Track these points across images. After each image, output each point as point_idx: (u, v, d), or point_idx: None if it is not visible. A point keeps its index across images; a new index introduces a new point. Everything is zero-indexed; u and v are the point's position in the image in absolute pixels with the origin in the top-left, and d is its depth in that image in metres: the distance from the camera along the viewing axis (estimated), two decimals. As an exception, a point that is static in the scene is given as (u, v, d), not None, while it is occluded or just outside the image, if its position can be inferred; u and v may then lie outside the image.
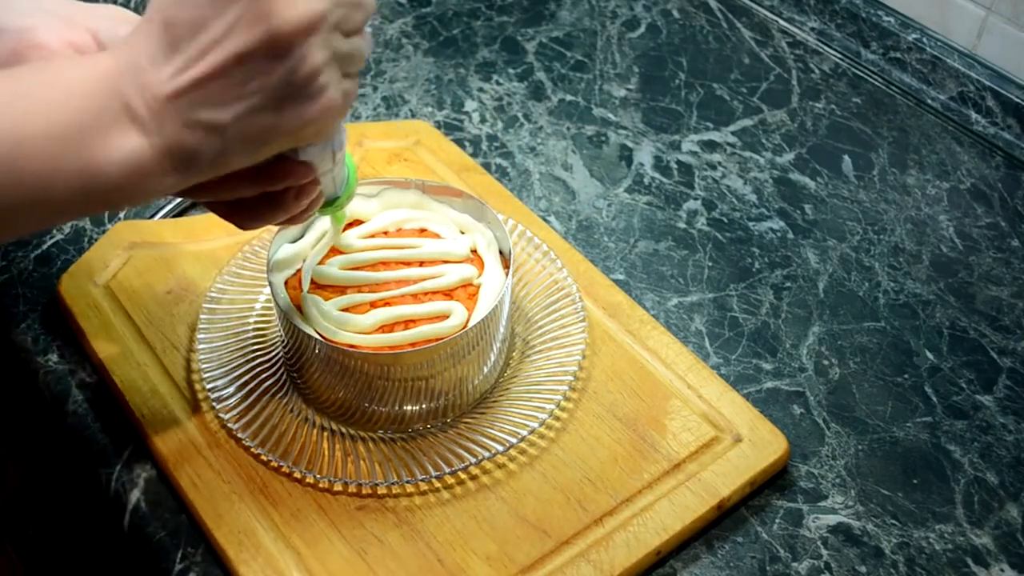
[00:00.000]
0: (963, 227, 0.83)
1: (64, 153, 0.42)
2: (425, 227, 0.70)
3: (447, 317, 0.64)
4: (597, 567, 0.60)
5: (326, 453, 0.64)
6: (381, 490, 0.63)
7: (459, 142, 0.88)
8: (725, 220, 0.83)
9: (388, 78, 0.95)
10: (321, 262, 0.67)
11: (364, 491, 0.63)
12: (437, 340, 0.62)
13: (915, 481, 0.67)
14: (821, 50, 1.00)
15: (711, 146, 0.90)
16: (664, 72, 0.97)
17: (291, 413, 0.66)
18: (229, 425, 0.65)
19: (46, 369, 0.70)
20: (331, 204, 0.60)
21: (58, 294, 0.73)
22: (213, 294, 0.72)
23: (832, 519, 0.64)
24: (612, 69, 0.97)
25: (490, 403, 0.67)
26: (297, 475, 0.63)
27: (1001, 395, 0.71)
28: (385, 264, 0.67)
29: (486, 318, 0.63)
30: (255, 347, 0.70)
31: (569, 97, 0.94)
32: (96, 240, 0.77)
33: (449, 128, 0.90)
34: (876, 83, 0.96)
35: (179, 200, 0.80)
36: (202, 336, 0.69)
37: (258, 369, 0.68)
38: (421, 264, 0.67)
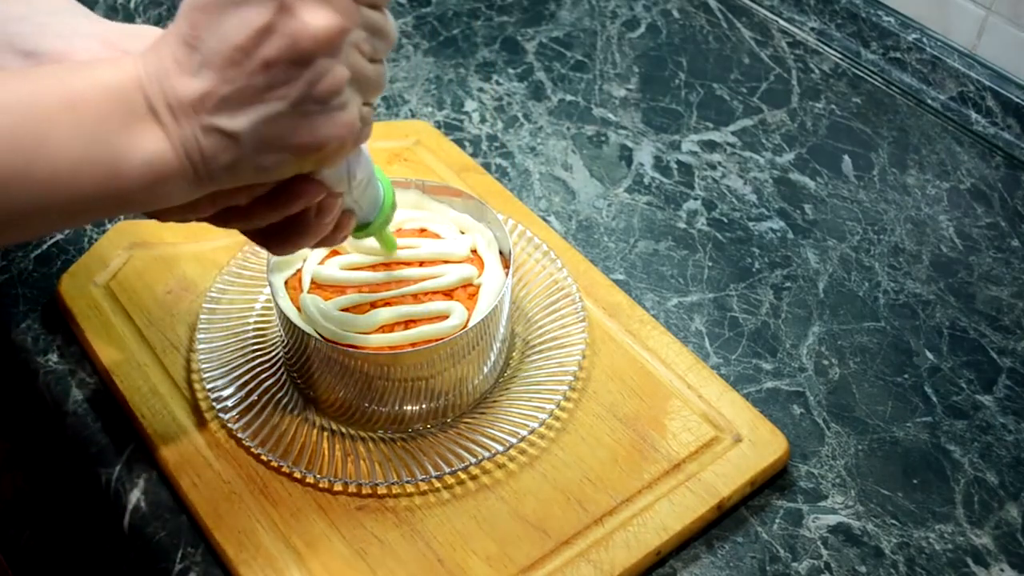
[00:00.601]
0: (963, 227, 0.83)
1: (89, 149, 0.43)
2: (425, 227, 0.70)
3: (447, 317, 0.64)
4: (597, 567, 0.60)
5: (326, 453, 0.64)
6: (381, 490, 0.63)
7: (459, 142, 0.89)
8: (725, 220, 0.83)
9: (388, 78, 0.95)
10: (321, 262, 0.67)
11: (364, 491, 0.63)
12: (437, 340, 0.62)
13: (915, 481, 0.67)
14: (821, 50, 1.00)
15: (711, 146, 0.90)
16: (664, 72, 0.97)
17: (291, 413, 0.66)
18: (229, 425, 0.65)
19: (46, 369, 0.70)
20: (366, 227, 0.59)
21: (58, 294, 0.73)
22: (213, 294, 0.72)
23: (832, 519, 0.64)
24: (612, 69, 0.97)
25: (490, 403, 0.67)
26: (297, 475, 0.63)
27: (1001, 395, 0.71)
28: (385, 264, 0.67)
29: (486, 318, 0.63)
30: (255, 347, 0.70)
31: (569, 97, 0.94)
32: (96, 240, 0.77)
33: (449, 128, 0.91)
34: (876, 83, 0.96)
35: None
36: (202, 336, 0.69)
37: (258, 369, 0.68)
38: (421, 264, 0.67)
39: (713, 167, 0.88)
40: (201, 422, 0.66)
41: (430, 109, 0.92)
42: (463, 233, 0.70)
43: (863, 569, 0.62)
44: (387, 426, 0.66)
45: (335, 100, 0.45)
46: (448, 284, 0.66)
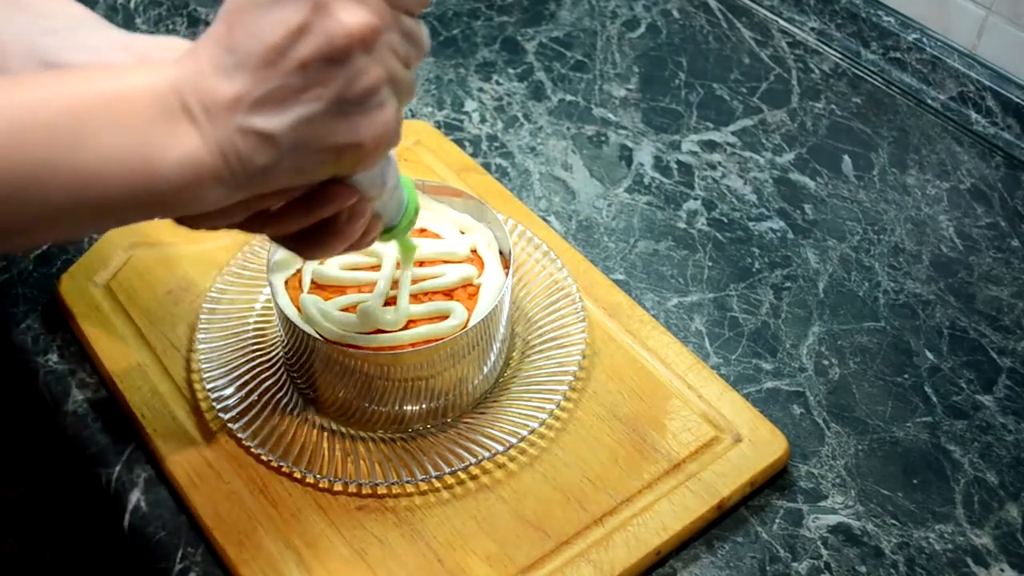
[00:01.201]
0: (963, 227, 0.83)
1: (124, 147, 0.42)
2: (425, 227, 0.70)
3: (447, 317, 0.64)
4: (597, 567, 0.60)
5: (326, 453, 0.64)
6: (381, 490, 0.63)
7: (459, 142, 0.89)
8: (725, 220, 0.83)
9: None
10: (321, 262, 0.67)
11: (364, 491, 0.63)
12: (437, 340, 0.62)
13: (915, 481, 0.67)
14: (821, 50, 1.00)
15: (711, 146, 0.90)
16: (664, 72, 0.97)
17: (291, 413, 0.66)
18: (229, 425, 0.65)
19: (46, 369, 0.71)
20: (391, 231, 0.59)
21: (58, 294, 0.73)
22: (213, 294, 0.72)
23: (832, 519, 0.64)
24: (612, 69, 0.97)
25: (490, 403, 0.67)
26: (297, 475, 0.63)
27: (1001, 395, 0.71)
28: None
29: (486, 318, 0.63)
30: (255, 347, 0.70)
31: (569, 97, 0.94)
32: (96, 240, 0.77)
33: (449, 128, 0.91)
34: (876, 83, 0.96)
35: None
36: (202, 336, 0.69)
37: (258, 369, 0.68)
38: (421, 264, 0.67)
39: (713, 167, 0.88)
40: (201, 422, 0.66)
41: (430, 109, 0.92)
42: (463, 233, 0.70)
43: (863, 569, 0.62)
44: (387, 426, 0.66)
45: (373, 99, 0.44)
46: (448, 284, 0.66)
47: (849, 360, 0.73)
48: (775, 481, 0.66)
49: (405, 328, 0.63)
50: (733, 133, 0.91)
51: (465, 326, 0.63)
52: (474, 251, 0.68)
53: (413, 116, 0.92)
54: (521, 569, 0.60)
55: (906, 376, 0.72)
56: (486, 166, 0.87)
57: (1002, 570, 0.62)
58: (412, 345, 0.62)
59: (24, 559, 0.61)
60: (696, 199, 0.85)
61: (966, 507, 0.65)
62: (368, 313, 0.63)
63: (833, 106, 0.94)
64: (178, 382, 0.68)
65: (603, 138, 0.91)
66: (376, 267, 0.66)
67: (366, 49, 0.43)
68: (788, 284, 0.78)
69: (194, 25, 1.00)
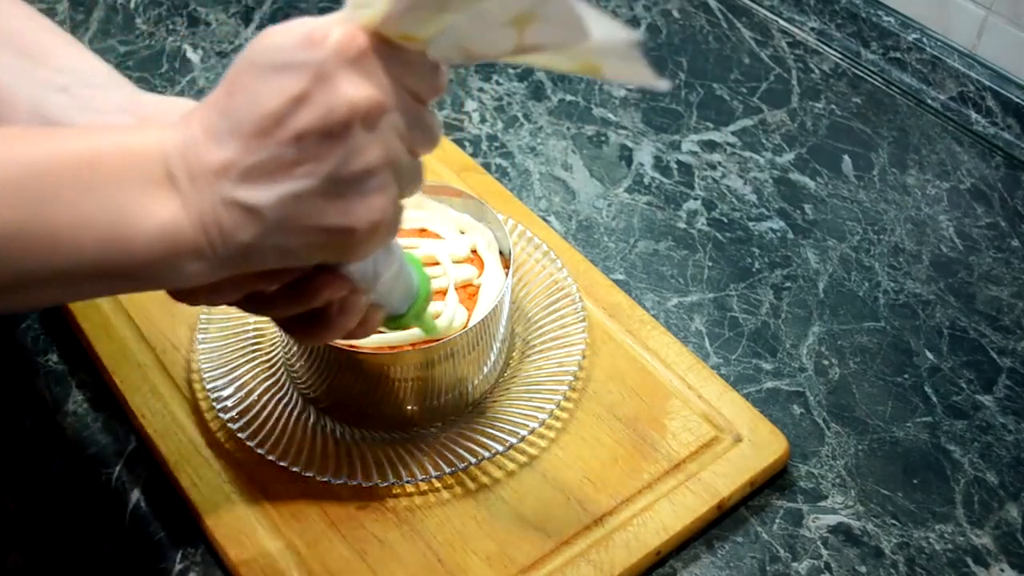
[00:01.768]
0: (963, 227, 0.83)
1: (97, 211, 0.40)
2: (425, 227, 0.70)
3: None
4: (597, 567, 0.60)
5: (326, 453, 0.64)
6: (381, 490, 0.63)
7: (459, 142, 0.89)
8: (725, 220, 0.83)
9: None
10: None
11: (364, 491, 0.63)
12: (437, 340, 0.62)
13: (915, 481, 0.67)
14: (821, 50, 1.00)
15: (711, 146, 0.90)
16: (664, 72, 0.97)
17: (291, 413, 0.66)
18: (229, 425, 0.65)
19: (46, 369, 0.71)
20: (397, 319, 0.55)
21: (58, 294, 0.73)
22: (213, 294, 0.72)
23: (832, 519, 0.64)
24: (612, 69, 0.97)
25: (490, 403, 0.67)
26: (297, 475, 0.63)
27: (1001, 395, 0.71)
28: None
29: (486, 318, 0.63)
30: (255, 347, 0.70)
31: (569, 97, 0.94)
32: (96, 240, 0.77)
33: (449, 128, 0.91)
34: (876, 83, 0.96)
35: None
36: (202, 336, 0.69)
37: (258, 369, 0.68)
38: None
39: (713, 167, 0.88)
40: (201, 422, 0.66)
41: (430, 109, 0.92)
42: (463, 233, 0.70)
43: (863, 569, 0.62)
44: (387, 426, 0.66)
45: (370, 182, 0.41)
46: (448, 284, 0.66)
47: (849, 360, 0.73)
48: (775, 481, 0.66)
49: (405, 328, 0.63)
50: (733, 133, 0.91)
51: (465, 326, 0.63)
52: (474, 251, 0.68)
53: (413, 116, 0.92)
54: (521, 569, 0.60)
55: (906, 376, 0.72)
56: (486, 166, 0.87)
57: (1002, 570, 0.62)
58: (412, 345, 0.62)
59: (24, 559, 0.61)
60: (696, 199, 0.85)
61: (966, 507, 0.65)
62: None
63: (833, 106, 0.94)
64: (178, 382, 0.68)
65: (603, 138, 0.91)
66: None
67: (368, 126, 0.40)
68: (788, 284, 0.78)
69: (194, 25, 1.00)
